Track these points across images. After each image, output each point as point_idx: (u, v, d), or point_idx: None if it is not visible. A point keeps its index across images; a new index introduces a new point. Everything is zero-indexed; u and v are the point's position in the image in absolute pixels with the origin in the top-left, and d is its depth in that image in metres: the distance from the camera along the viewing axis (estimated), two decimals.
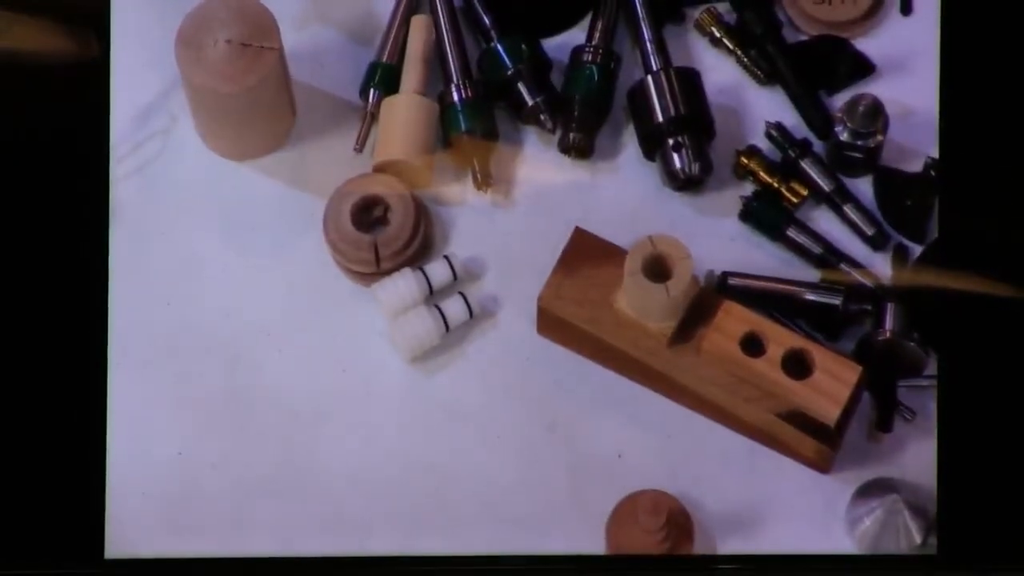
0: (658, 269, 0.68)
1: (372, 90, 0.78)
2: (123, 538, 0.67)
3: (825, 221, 0.71)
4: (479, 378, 0.70)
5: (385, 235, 0.74)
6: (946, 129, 0.70)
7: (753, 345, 0.66)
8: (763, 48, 0.73)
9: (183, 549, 0.67)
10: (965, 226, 0.68)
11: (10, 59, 0.70)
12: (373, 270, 0.74)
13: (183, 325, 0.70)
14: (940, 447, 0.67)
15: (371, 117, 0.78)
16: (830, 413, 0.67)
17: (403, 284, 0.74)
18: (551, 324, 0.72)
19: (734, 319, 0.66)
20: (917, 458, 0.67)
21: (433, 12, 0.79)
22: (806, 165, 0.71)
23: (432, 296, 0.74)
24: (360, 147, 0.77)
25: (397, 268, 0.74)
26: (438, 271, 0.75)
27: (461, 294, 0.74)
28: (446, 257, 0.74)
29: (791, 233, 0.70)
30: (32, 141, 0.70)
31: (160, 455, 0.68)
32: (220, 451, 0.68)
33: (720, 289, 0.70)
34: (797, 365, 0.66)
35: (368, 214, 0.75)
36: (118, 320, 0.70)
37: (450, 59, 0.79)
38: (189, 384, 0.69)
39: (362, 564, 0.68)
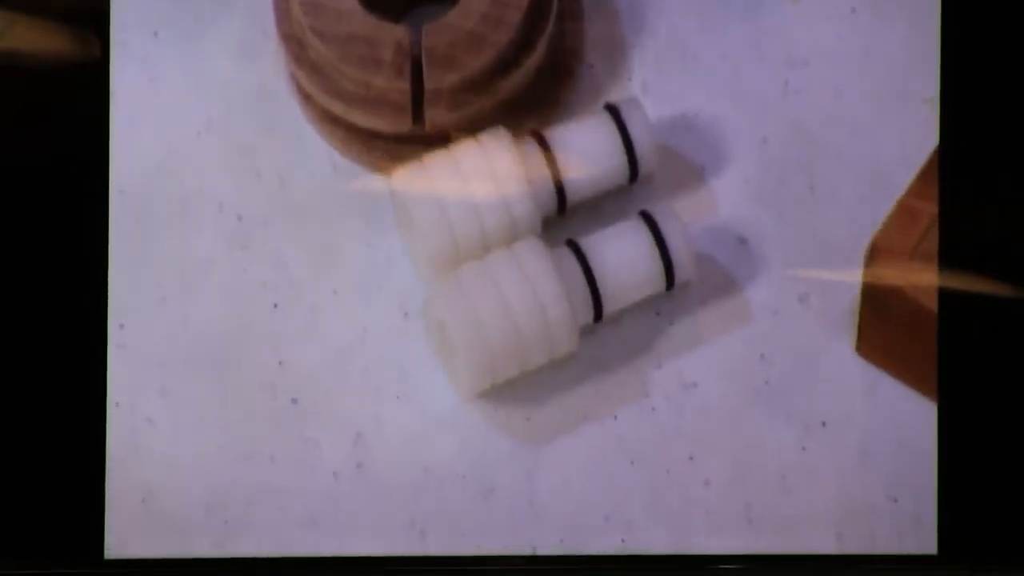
0: None
1: None
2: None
3: None
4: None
5: (442, 23, 0.33)
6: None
7: None
8: None
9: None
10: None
11: (10, 59, 0.70)
12: (402, 126, 0.35)
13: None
14: (940, 445, 0.67)
15: None
16: None
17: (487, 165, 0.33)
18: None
19: None
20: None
21: None
22: None
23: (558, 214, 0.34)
24: None
25: (471, 126, 0.35)
26: (601, 139, 0.34)
27: (644, 222, 0.36)
28: (611, 109, 0.34)
29: None
30: (31, 141, 0.70)
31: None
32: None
33: None
34: None
35: None
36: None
37: None
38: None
39: (363, 564, 0.68)
